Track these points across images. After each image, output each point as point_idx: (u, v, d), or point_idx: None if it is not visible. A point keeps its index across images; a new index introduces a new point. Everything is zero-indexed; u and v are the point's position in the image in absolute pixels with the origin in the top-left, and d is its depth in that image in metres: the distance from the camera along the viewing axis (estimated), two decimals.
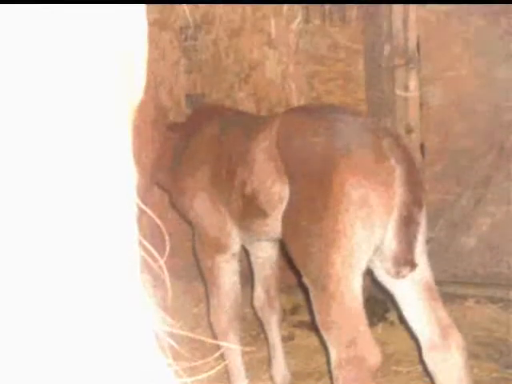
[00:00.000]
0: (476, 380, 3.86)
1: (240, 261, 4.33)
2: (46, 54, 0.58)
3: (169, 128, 4.82)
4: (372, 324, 4.49)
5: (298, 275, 3.61)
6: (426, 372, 3.71)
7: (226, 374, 4.35)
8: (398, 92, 5.65)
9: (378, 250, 3.35)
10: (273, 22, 5.75)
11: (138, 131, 0.74)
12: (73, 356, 0.57)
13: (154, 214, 0.69)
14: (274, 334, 4.61)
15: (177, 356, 0.70)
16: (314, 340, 4.97)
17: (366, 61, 5.63)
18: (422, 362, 3.69)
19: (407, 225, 3.28)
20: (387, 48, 5.65)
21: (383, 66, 5.68)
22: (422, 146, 5.70)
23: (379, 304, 5.23)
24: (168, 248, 0.82)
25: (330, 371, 3.42)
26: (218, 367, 3.95)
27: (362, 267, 3.33)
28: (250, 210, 3.87)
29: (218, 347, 4.08)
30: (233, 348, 4.22)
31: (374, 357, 3.21)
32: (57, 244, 0.58)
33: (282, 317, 4.75)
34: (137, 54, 0.70)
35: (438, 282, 3.63)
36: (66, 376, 0.57)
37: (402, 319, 3.93)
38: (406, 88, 5.64)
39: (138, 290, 0.64)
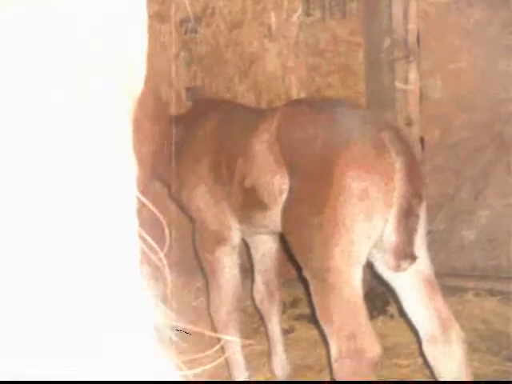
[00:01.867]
0: (476, 373, 3.86)
1: (240, 254, 4.34)
2: (44, 48, 0.58)
3: (169, 121, 4.81)
4: (372, 317, 4.50)
5: (298, 268, 3.61)
6: (426, 365, 3.72)
7: (227, 366, 4.36)
8: (398, 85, 5.65)
9: (377, 242, 3.35)
10: (273, 14, 5.74)
11: (137, 124, 0.74)
12: (73, 350, 0.57)
13: (154, 207, 0.69)
14: (274, 326, 4.61)
15: (177, 349, 0.70)
16: (314, 333, 4.98)
17: (366, 54, 5.63)
18: (421, 354, 3.69)
19: (407, 217, 3.28)
20: (387, 41, 5.65)
21: (383, 59, 5.68)
22: (421, 139, 5.70)
23: (379, 297, 5.24)
24: (168, 241, 0.82)
25: (329, 364, 3.42)
26: (219, 360, 3.96)
27: (362, 260, 3.33)
28: (250, 203, 3.87)
29: (218, 340, 4.08)
30: (233, 341, 4.22)
31: (373, 350, 3.21)
32: (56, 237, 0.58)
33: (282, 310, 4.75)
34: (137, 47, 0.70)
35: (438, 275, 3.63)
36: (67, 370, 0.57)
37: (401, 312, 3.93)
38: (406, 81, 5.64)
39: (137, 283, 0.64)
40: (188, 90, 6.18)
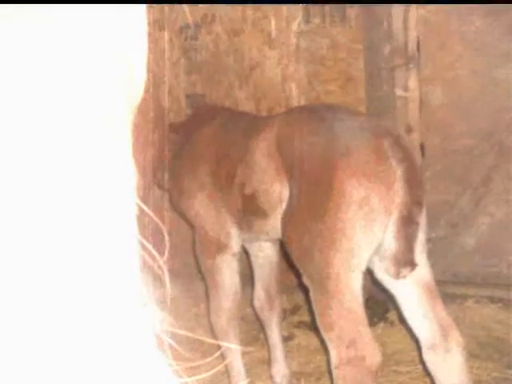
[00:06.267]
0: (476, 380, 3.86)
1: (240, 261, 4.33)
2: (45, 56, 0.58)
3: (169, 128, 4.82)
4: (372, 324, 4.50)
5: (298, 275, 3.61)
6: (426, 372, 3.71)
7: (227, 373, 4.36)
8: (398, 92, 5.65)
9: (378, 249, 3.34)
10: (273, 22, 5.75)
11: (138, 131, 0.74)
12: (73, 356, 0.57)
13: (153, 214, 0.69)
14: (274, 333, 4.61)
15: (177, 356, 0.70)
16: (314, 340, 4.98)
17: (366, 61, 5.64)
18: (422, 361, 3.68)
19: (407, 225, 3.27)
20: (387, 48, 5.65)
21: (383, 66, 5.69)
22: (421, 146, 5.70)
23: (379, 304, 5.23)
24: (168, 248, 0.82)
25: (330, 371, 3.42)
26: (218, 367, 3.95)
27: (362, 267, 3.32)
28: (249, 210, 3.87)
29: (218, 347, 4.07)
30: (233, 348, 4.21)
31: (373, 357, 3.21)
32: (57, 244, 0.58)
33: (282, 317, 4.75)
34: (137, 54, 0.70)
35: (438, 282, 3.62)
36: (67, 375, 0.57)
37: (402, 319, 3.93)
38: (406, 88, 5.64)
39: (137, 290, 0.64)
40: (188, 97, 6.19)
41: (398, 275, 3.34)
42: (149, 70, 0.74)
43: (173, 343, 0.67)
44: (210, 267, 4.26)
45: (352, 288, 3.26)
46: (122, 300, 0.62)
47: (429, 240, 3.84)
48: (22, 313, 0.56)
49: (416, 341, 3.65)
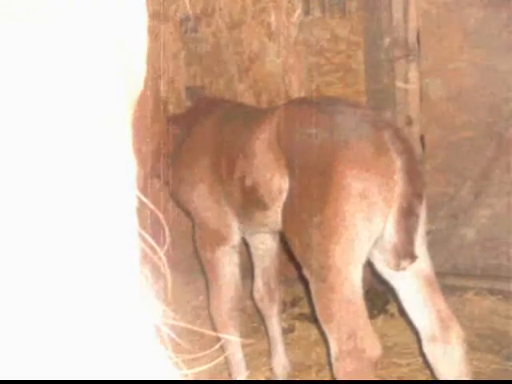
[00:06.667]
0: (476, 372, 3.86)
1: (240, 253, 4.33)
2: (44, 49, 0.58)
3: (169, 120, 4.82)
4: (372, 316, 4.50)
5: (298, 267, 3.61)
6: (426, 364, 3.71)
7: (227, 365, 4.36)
8: (398, 84, 5.65)
9: (378, 242, 3.34)
10: (273, 14, 5.75)
11: (137, 123, 0.74)
12: (73, 348, 0.57)
13: (153, 206, 0.69)
14: (274, 326, 4.62)
15: (177, 348, 0.70)
16: (314, 332, 4.98)
17: (366, 53, 5.63)
18: (422, 354, 3.69)
19: (407, 217, 3.27)
20: (387, 40, 5.64)
21: (383, 58, 5.68)
22: (422, 138, 5.70)
23: (379, 296, 5.24)
24: (168, 240, 0.82)
25: (330, 363, 3.42)
26: (219, 359, 3.95)
27: (362, 259, 3.32)
28: (249, 202, 3.87)
29: (218, 339, 4.08)
30: (233, 340, 4.22)
31: (374, 349, 3.21)
32: (56, 237, 0.58)
33: (282, 309, 4.76)
34: (137, 47, 0.70)
35: (438, 274, 3.63)
36: (66, 368, 0.57)
37: (402, 311, 3.93)
38: (406, 80, 5.64)
39: (137, 282, 0.64)
40: (188, 89, 6.19)
41: (397, 267, 3.34)
42: (149, 63, 0.74)
43: (173, 335, 0.67)
44: (210, 260, 4.26)
45: (352, 280, 3.26)
46: (121, 292, 0.62)
47: (429, 232, 3.84)
48: (21, 305, 0.56)
49: (416, 333, 3.65)
